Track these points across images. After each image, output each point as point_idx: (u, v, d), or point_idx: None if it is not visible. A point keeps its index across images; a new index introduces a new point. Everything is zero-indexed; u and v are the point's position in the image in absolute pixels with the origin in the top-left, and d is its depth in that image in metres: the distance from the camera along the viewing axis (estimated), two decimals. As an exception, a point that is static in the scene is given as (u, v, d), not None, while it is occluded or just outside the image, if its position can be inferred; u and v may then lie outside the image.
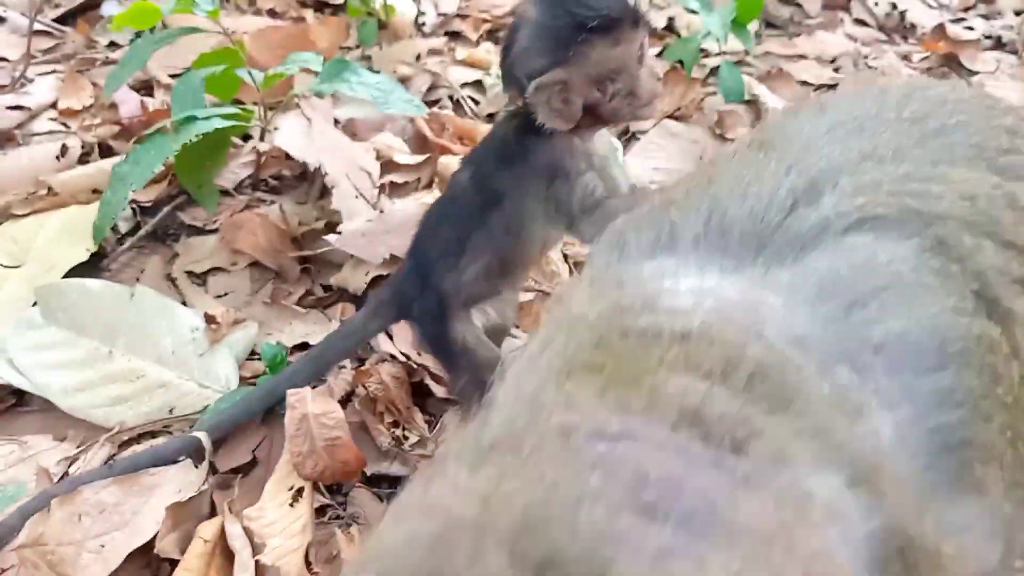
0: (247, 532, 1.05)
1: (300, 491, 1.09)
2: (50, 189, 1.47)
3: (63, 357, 1.18)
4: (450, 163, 1.63)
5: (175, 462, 1.10)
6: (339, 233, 1.41)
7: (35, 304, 1.24)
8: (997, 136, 0.71)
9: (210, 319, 1.25)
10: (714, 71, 1.99)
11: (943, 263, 0.61)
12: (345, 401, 1.22)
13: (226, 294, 1.40)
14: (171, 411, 1.17)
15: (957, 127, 0.71)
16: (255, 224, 1.45)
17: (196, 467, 1.09)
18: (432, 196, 1.56)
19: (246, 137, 1.64)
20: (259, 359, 1.28)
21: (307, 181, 1.59)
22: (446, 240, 1.11)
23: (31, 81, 1.83)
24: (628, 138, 1.79)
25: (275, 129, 1.47)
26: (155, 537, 1.04)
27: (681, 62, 1.92)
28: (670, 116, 1.86)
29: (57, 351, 1.18)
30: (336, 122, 1.72)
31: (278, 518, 1.07)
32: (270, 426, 1.19)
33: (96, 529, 1.03)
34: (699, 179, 0.70)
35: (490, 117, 1.84)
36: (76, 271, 1.35)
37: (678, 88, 1.90)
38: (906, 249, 0.61)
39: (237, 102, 1.60)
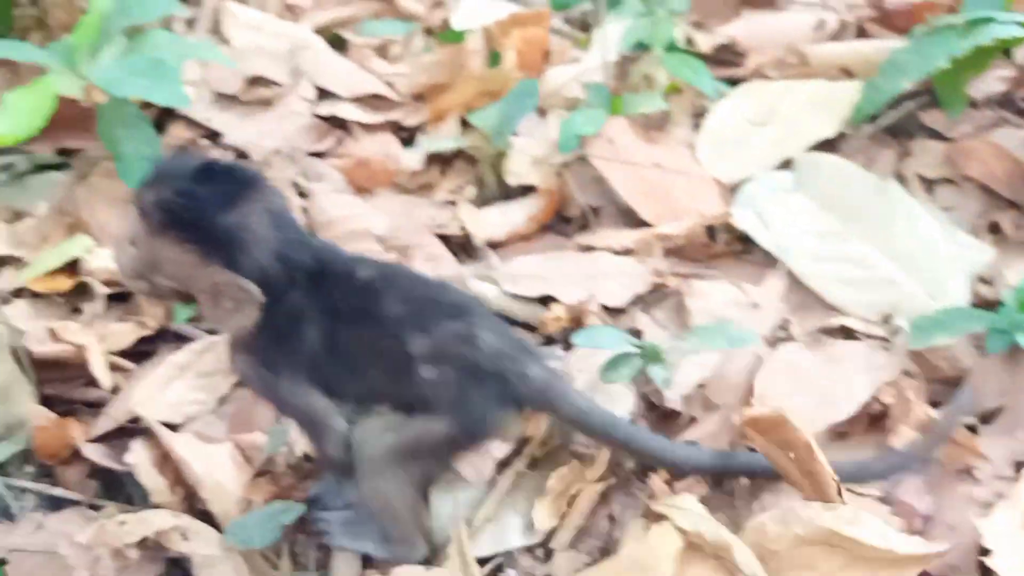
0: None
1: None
2: (803, 58, 1.52)
3: (807, 227, 1.24)
4: None
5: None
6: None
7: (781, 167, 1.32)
8: None
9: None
10: None
11: None
12: None
13: (950, 208, 1.35)
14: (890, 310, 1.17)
15: None
16: (986, 154, 1.35)
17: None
18: None
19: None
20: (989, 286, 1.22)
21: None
22: None
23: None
24: None
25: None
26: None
27: None
28: None
29: (801, 219, 1.24)
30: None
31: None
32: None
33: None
34: None
35: None
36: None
37: None
38: None
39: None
